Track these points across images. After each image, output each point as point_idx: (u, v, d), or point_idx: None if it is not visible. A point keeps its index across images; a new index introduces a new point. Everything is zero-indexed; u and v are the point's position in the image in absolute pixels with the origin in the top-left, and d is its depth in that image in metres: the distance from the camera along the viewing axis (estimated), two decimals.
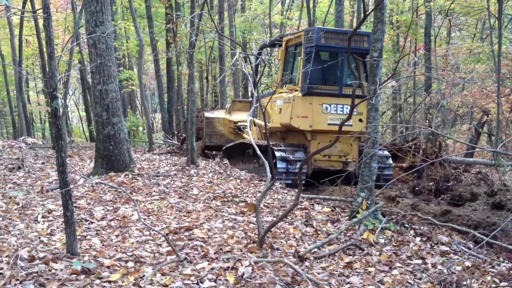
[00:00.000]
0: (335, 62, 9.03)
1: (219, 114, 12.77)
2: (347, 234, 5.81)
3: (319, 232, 5.85)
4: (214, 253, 4.74)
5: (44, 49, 11.81)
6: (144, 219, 5.71)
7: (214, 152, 12.77)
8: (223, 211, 6.41)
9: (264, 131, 9.38)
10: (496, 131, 14.24)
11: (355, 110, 8.22)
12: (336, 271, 4.65)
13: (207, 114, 12.77)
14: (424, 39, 17.55)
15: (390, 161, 9.57)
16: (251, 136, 6.76)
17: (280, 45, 10.41)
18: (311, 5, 17.86)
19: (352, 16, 20.42)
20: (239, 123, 11.93)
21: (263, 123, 9.63)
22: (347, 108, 8.89)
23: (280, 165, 8.86)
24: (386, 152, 9.61)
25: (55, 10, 21.38)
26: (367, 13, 4.90)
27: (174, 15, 16.24)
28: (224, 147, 11.20)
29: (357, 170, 8.63)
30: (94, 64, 8.40)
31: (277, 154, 8.92)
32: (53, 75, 4.24)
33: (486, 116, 15.35)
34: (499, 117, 13.61)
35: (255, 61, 11.68)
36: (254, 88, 7.90)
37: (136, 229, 5.39)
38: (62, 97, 14.30)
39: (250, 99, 14.38)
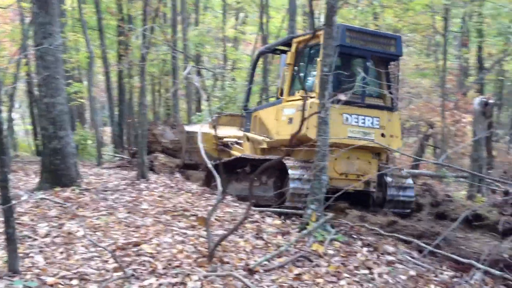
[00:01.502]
0: (359, 67, 8.11)
1: (201, 128, 11.42)
2: (297, 246, 5.85)
3: (270, 245, 5.87)
4: (163, 269, 4.68)
5: None
6: (90, 235, 5.58)
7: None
8: (173, 226, 6.34)
9: (262, 147, 8.99)
10: (441, 143, 14.76)
11: (377, 123, 8.01)
12: (286, 283, 4.68)
13: (187, 128, 11.88)
14: None
15: (410, 180, 8.47)
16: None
17: (280, 52, 9.46)
18: (264, 20, 18.08)
19: (305, 31, 20.77)
20: (225, 139, 11.07)
21: (260, 138, 9.03)
22: (369, 120, 8.04)
23: (294, 184, 7.55)
24: (404, 171, 8.85)
25: (3, 22, 20.76)
26: (316, 29, 5.00)
27: (126, 28, 16.06)
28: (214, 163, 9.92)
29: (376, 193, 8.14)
30: (41, 76, 8.20)
31: (290, 172, 7.62)
32: None
33: (431, 129, 15.88)
34: (444, 130, 14.12)
35: (251, 70, 11.17)
36: (207, 101, 7.76)
37: (82, 246, 5.25)
38: (7, 110, 13.87)
39: (238, 112, 13.48)
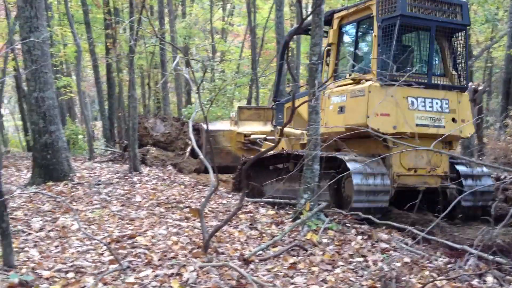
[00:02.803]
0: (424, 41, 7.12)
1: (222, 125, 10.73)
2: (291, 236, 5.87)
3: (264, 235, 5.89)
4: (158, 260, 4.68)
5: None
6: (85, 228, 5.56)
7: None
8: (167, 218, 6.34)
9: (302, 142, 7.72)
10: None
11: (446, 106, 6.97)
12: (281, 272, 4.70)
13: (205, 126, 10.06)
14: None
15: (490, 181, 7.35)
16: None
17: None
18: (251, 11, 18.03)
19: (293, 21, 20.75)
20: (252, 136, 9.97)
21: (298, 132, 7.98)
22: (438, 103, 6.92)
23: (357, 180, 6.42)
24: (484, 169, 7.40)
25: None
26: (304, 17, 4.99)
27: (113, 20, 15.95)
28: (243, 162, 8.06)
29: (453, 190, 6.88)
30: (29, 70, 8.14)
31: (350, 166, 6.45)
32: None
33: None
34: None
35: (280, 53, 9.75)
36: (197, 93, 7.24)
37: (77, 239, 5.24)
38: None
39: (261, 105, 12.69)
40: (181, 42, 20.09)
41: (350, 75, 7.30)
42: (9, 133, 32.51)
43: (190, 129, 6.42)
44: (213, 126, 10.43)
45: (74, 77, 20.98)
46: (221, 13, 25.26)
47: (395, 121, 6.58)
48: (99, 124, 26.62)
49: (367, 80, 6.81)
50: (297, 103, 7.48)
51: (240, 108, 10.87)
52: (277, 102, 9.01)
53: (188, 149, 12.34)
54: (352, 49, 7.68)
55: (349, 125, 6.52)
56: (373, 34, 6.92)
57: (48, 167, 8.33)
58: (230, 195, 8.26)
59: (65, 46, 19.77)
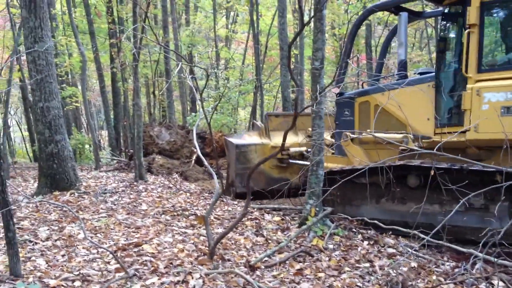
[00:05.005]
0: None
1: (251, 138, 8.75)
2: (297, 242, 5.87)
3: (270, 241, 5.89)
4: (164, 268, 4.68)
5: None
6: (91, 237, 5.58)
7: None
8: (173, 225, 6.35)
9: (401, 148, 6.02)
10: None
11: None
12: (287, 279, 4.69)
13: (234, 141, 8.61)
14: (366, 49, 18.09)
15: None
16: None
17: (402, 10, 6.98)
18: (254, 18, 18.07)
19: (296, 28, 20.78)
20: (292, 149, 8.25)
21: (398, 136, 6.45)
22: None
23: None
24: None
25: None
26: (305, 23, 5.01)
27: (118, 29, 16.05)
28: (329, 172, 6.69)
29: None
30: (34, 79, 8.19)
31: None
32: None
33: None
34: None
35: (348, 40, 8.08)
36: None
37: (83, 248, 5.26)
38: (2, 116, 13.83)
39: (290, 111, 10.58)
40: (184, 50, 20.18)
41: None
42: (16, 144, 32.69)
43: (195, 137, 6.35)
44: (240, 139, 8.73)
45: (79, 87, 21.09)
46: (224, 21, 25.36)
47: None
48: (104, 133, 26.72)
49: None
50: (378, 98, 6.92)
51: (268, 115, 8.93)
52: (342, 95, 7.69)
53: (194, 157, 12.36)
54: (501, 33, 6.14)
55: None
56: None
57: (55, 176, 8.38)
58: (235, 202, 8.25)
59: (70, 56, 19.90)
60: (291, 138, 8.44)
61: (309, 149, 7.53)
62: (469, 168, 5.37)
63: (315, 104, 6.09)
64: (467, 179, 5.15)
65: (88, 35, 18.04)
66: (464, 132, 5.77)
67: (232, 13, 25.14)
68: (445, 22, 6.59)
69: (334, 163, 7.45)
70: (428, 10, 10.82)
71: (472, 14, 5.90)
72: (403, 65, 6.93)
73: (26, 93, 19.37)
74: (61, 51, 18.99)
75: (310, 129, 7.16)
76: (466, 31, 5.92)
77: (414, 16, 7.87)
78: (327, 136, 7.89)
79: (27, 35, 8.27)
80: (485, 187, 4.63)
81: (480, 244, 4.49)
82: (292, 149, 8.26)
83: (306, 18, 15.10)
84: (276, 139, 8.29)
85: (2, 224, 4.91)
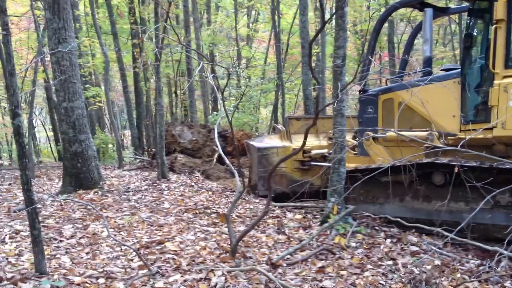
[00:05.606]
0: None
1: (272, 141, 8.85)
2: (319, 240, 5.85)
3: (292, 239, 5.88)
4: (187, 265, 4.71)
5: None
6: (115, 235, 5.65)
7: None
8: (195, 223, 6.39)
9: (427, 145, 5.98)
10: None
11: None
12: (309, 276, 4.67)
13: (256, 144, 8.75)
14: (388, 46, 17.91)
15: None
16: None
17: (426, 7, 6.90)
18: (276, 16, 18.06)
19: (317, 26, 20.70)
20: (314, 152, 8.35)
21: (422, 134, 6.39)
22: None
23: None
24: None
25: (18, 30, 21.06)
26: (326, 20, 4.98)
27: (140, 30, 16.19)
28: (352, 170, 6.76)
29: None
30: (58, 80, 8.31)
31: None
32: (14, 92, 4.17)
33: None
34: None
35: (373, 36, 7.85)
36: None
37: (107, 246, 5.32)
38: (27, 116, 14.07)
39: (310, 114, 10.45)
40: (206, 49, 20.27)
41: None
42: (41, 144, 33.24)
43: (216, 135, 6.38)
44: (261, 142, 8.86)
45: (102, 87, 21.35)
46: (246, 20, 25.39)
47: None
48: (127, 132, 26.99)
49: None
50: (401, 95, 6.90)
51: (289, 118, 8.96)
52: (365, 92, 7.69)
53: (215, 155, 12.40)
54: None
55: None
56: None
57: (79, 175, 8.49)
58: (257, 200, 8.26)
59: (93, 56, 20.14)
60: (313, 141, 8.52)
61: (330, 151, 7.54)
62: (498, 166, 5.26)
63: (336, 102, 6.04)
64: (493, 176, 5.06)
65: (110, 35, 18.24)
66: (490, 128, 5.68)
67: (253, 12, 25.16)
68: (471, 18, 6.48)
69: (357, 163, 7.44)
70: (452, 6, 10.69)
71: (500, 9, 5.81)
72: (428, 62, 6.84)
73: (50, 93, 19.69)
74: (85, 52, 19.25)
75: (331, 131, 7.21)
76: (493, 26, 5.83)
77: (439, 12, 7.73)
78: (348, 137, 7.88)
79: (51, 36, 8.39)
80: None
81: (505, 242, 4.43)
82: (313, 151, 8.34)
83: (327, 16, 15.01)
84: (298, 142, 8.29)
85: (27, 222, 5.00)
